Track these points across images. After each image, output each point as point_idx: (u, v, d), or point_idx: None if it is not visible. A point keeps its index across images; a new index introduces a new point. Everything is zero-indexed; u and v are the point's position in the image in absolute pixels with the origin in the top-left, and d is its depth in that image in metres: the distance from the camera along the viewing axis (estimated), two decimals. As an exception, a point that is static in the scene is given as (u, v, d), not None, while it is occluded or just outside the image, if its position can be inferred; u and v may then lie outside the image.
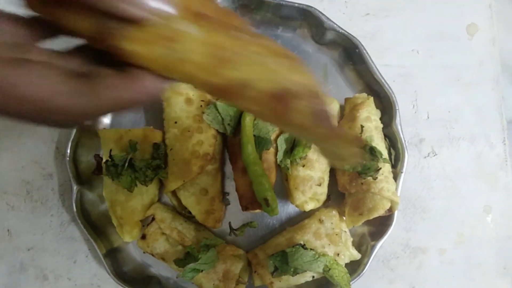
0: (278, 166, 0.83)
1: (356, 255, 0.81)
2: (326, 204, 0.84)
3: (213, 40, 0.35)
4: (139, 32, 0.33)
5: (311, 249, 0.77)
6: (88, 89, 0.33)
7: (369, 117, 0.80)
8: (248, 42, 0.36)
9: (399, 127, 0.83)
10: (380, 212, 0.77)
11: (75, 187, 0.80)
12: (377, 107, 0.85)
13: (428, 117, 0.90)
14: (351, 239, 0.82)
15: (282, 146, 0.80)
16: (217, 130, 0.81)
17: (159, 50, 0.34)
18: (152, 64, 0.35)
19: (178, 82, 0.37)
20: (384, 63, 0.89)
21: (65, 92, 0.32)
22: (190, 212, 0.82)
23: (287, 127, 0.41)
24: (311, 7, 0.83)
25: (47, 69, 0.32)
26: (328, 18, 0.83)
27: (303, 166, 0.79)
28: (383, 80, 0.83)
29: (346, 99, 0.85)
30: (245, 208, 0.80)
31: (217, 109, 0.80)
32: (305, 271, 0.76)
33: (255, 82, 0.35)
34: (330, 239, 0.79)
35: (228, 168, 0.86)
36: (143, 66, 0.35)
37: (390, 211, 0.80)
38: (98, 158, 0.81)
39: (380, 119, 0.84)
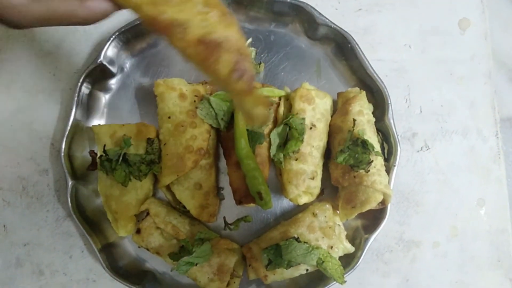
0: (271, 161, 0.83)
1: (350, 248, 0.81)
2: (320, 198, 0.85)
3: None
4: None
5: (304, 242, 0.78)
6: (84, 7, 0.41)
7: (361, 111, 0.80)
8: None
9: (391, 121, 0.83)
10: (373, 204, 0.78)
11: (70, 183, 0.81)
12: (370, 102, 0.85)
13: (421, 111, 0.91)
14: (345, 232, 0.82)
15: (275, 140, 0.81)
16: (210, 125, 0.82)
17: None
18: None
19: (124, 8, 0.43)
20: (377, 58, 0.90)
21: None
22: (184, 207, 0.82)
23: (210, 74, 0.46)
24: (304, 2, 0.84)
25: None
26: (320, 14, 0.84)
27: (296, 160, 0.79)
28: (375, 75, 0.84)
29: (339, 94, 0.86)
30: (239, 202, 0.80)
31: (210, 104, 0.80)
32: (299, 264, 0.77)
33: (189, 25, 0.42)
34: (324, 232, 0.80)
35: (223, 163, 0.87)
36: None
37: (383, 204, 0.81)
38: (92, 153, 0.82)
39: (373, 113, 0.84)
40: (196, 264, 0.77)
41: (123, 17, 0.87)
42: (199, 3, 0.42)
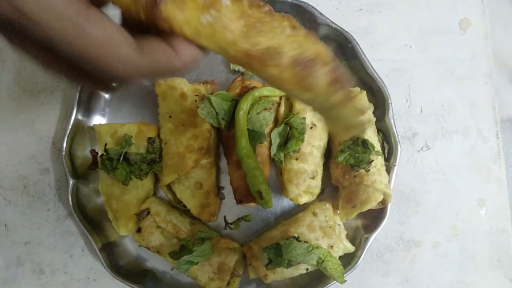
0: (272, 160, 0.83)
1: (350, 248, 0.81)
2: (320, 197, 0.85)
3: (244, 11, 0.40)
4: (178, 1, 0.38)
5: (305, 241, 0.78)
6: (146, 49, 0.38)
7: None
8: (270, 15, 0.43)
9: (392, 121, 0.83)
10: (373, 204, 0.78)
11: (71, 182, 0.81)
12: (370, 102, 0.85)
13: (421, 111, 0.91)
14: (345, 232, 0.82)
15: (275, 139, 0.81)
16: (211, 124, 0.82)
17: (198, 16, 0.39)
18: (191, 32, 0.39)
19: (211, 51, 0.42)
20: (377, 57, 0.90)
21: (130, 44, 0.37)
22: (185, 206, 0.83)
23: (308, 93, 0.45)
24: (305, 2, 0.84)
25: (115, 24, 0.37)
26: (321, 14, 0.84)
27: (297, 159, 0.80)
28: (376, 75, 0.84)
29: (340, 93, 0.86)
30: (239, 201, 0.81)
31: (211, 104, 0.81)
32: (299, 263, 0.77)
33: (282, 50, 0.41)
34: (324, 231, 0.80)
35: (223, 162, 0.87)
36: (181, 35, 0.39)
37: (384, 203, 0.81)
38: (94, 152, 0.82)
39: (373, 113, 0.85)
40: (197, 263, 0.77)
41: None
42: (287, 27, 0.42)
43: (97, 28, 0.34)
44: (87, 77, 0.42)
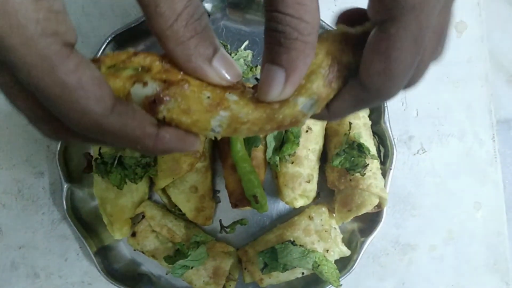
0: (267, 164, 0.83)
1: (346, 252, 0.81)
2: (316, 201, 0.84)
3: (251, 100, 0.37)
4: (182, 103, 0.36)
5: (300, 245, 0.78)
6: (123, 115, 0.35)
7: (357, 114, 0.80)
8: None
9: (387, 124, 0.83)
10: (369, 208, 0.77)
11: (65, 185, 0.80)
12: (366, 105, 0.85)
13: (417, 114, 0.91)
14: (341, 235, 0.82)
15: (271, 143, 0.81)
16: (206, 128, 0.81)
17: (208, 120, 0.37)
18: (201, 130, 0.37)
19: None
20: (373, 60, 0.89)
21: (100, 100, 0.33)
22: (180, 210, 0.82)
23: None
24: (300, 5, 0.84)
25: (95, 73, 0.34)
26: (316, 16, 0.84)
27: (292, 163, 0.79)
28: (372, 78, 0.84)
29: (335, 97, 0.85)
30: (234, 205, 0.80)
31: (206, 107, 0.80)
32: (295, 267, 0.77)
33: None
34: (320, 235, 0.80)
35: (219, 165, 0.86)
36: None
37: (379, 207, 0.80)
38: (88, 156, 0.82)
39: (369, 116, 0.84)
40: (192, 267, 0.77)
41: (119, 19, 0.87)
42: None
43: (68, 72, 0.31)
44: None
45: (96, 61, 0.36)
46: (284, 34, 0.34)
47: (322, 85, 0.37)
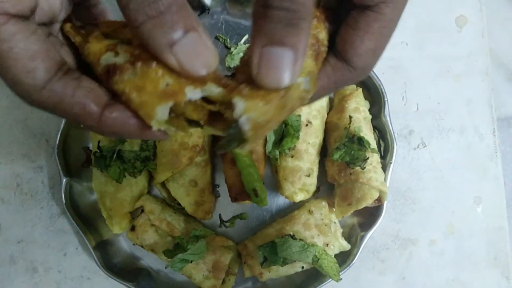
0: (267, 158, 0.83)
1: (346, 246, 0.81)
2: (316, 195, 0.84)
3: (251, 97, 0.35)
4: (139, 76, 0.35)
5: (300, 239, 0.77)
6: (58, 89, 0.35)
7: (357, 108, 0.80)
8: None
9: (388, 118, 0.83)
10: (369, 202, 0.77)
11: (64, 179, 0.80)
12: (366, 99, 0.85)
13: (417, 109, 0.90)
14: (341, 230, 0.82)
15: (271, 137, 0.80)
16: (206, 122, 0.81)
17: (153, 106, 0.34)
18: (145, 115, 0.35)
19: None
20: (374, 55, 0.89)
21: (33, 71, 0.34)
22: (179, 204, 0.82)
23: None
24: (300, -1, 0.83)
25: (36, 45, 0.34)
26: (316, 10, 0.83)
27: (292, 157, 0.79)
28: (372, 72, 0.83)
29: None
30: (234, 199, 0.80)
31: (206, 101, 0.80)
32: (294, 261, 0.77)
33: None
34: (320, 229, 0.79)
35: (219, 160, 0.86)
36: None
37: (379, 201, 0.80)
38: (87, 150, 0.81)
39: (369, 110, 0.84)
40: (191, 262, 0.76)
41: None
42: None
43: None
44: None
45: (95, 25, 0.37)
46: (294, 13, 0.31)
47: (312, 63, 0.37)
